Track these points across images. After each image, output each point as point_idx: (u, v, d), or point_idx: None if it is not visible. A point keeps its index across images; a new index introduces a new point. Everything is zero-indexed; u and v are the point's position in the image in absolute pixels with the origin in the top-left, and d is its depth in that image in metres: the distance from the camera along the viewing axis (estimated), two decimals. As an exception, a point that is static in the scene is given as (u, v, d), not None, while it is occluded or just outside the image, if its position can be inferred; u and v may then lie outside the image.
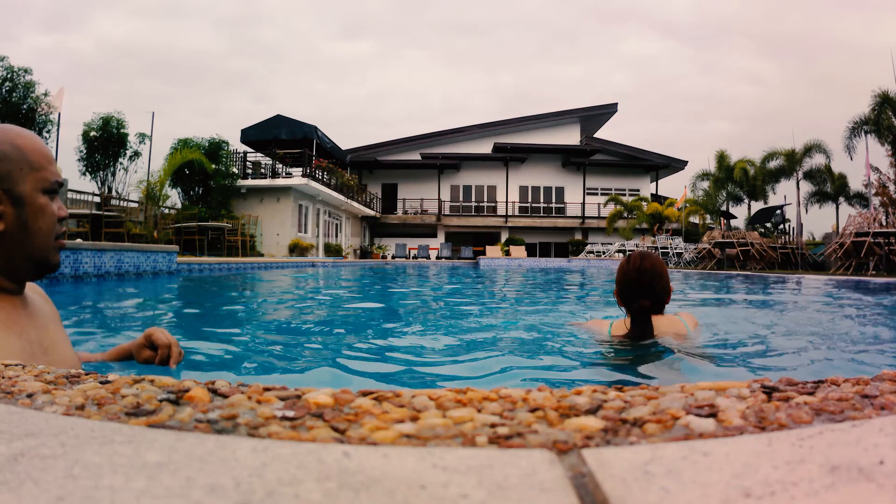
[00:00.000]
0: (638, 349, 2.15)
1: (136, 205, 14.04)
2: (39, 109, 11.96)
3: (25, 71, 11.78)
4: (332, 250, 23.66)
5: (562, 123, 34.35)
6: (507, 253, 26.11)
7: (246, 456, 0.45)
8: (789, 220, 21.50)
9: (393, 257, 26.92)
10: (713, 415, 0.56)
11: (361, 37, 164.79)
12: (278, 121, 20.53)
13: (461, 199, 34.24)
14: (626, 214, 28.18)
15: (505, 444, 0.50)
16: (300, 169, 20.26)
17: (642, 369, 1.91)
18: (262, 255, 16.76)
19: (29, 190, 1.13)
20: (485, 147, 33.41)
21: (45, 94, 12.11)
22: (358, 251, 29.02)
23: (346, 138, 55.06)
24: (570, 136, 34.05)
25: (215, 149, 17.91)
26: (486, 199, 34.29)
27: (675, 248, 21.45)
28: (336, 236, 26.49)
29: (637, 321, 2.20)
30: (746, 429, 0.53)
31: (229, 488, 0.39)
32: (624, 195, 32.59)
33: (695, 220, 28.17)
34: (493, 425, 0.54)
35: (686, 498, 0.38)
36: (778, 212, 20.69)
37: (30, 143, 1.15)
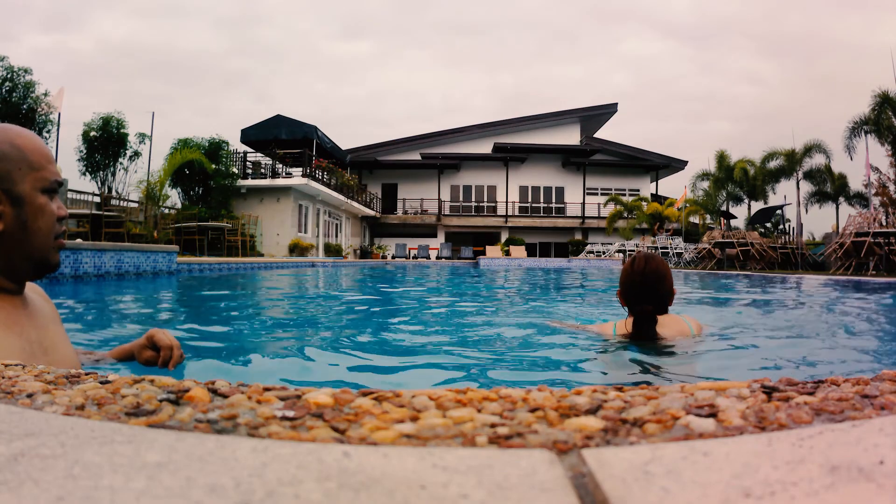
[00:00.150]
0: (639, 349, 2.15)
1: (136, 205, 14.03)
2: (39, 109, 11.97)
3: (25, 71, 11.78)
4: (332, 250, 23.65)
5: (562, 123, 34.35)
6: (507, 253, 26.10)
7: (246, 456, 0.45)
8: (789, 220, 21.52)
9: (393, 257, 26.90)
10: (713, 415, 0.56)
11: (361, 37, 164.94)
12: (278, 121, 20.52)
13: (461, 199, 34.24)
14: (626, 214, 28.17)
15: (505, 444, 0.50)
16: (300, 169, 20.26)
17: (642, 369, 1.91)
18: (262, 256, 16.76)
19: (28, 189, 1.13)
20: (485, 147, 33.40)
21: (45, 94, 12.12)
22: (358, 251, 29.02)
23: (346, 138, 55.13)
24: (570, 136, 34.05)
25: (215, 149, 17.91)
26: (486, 199, 34.28)
27: (675, 248, 21.45)
28: (336, 236, 26.49)
29: (639, 322, 2.20)
30: (746, 429, 0.53)
31: (229, 488, 0.39)
32: (624, 195, 32.58)
33: (695, 220, 28.17)
34: (493, 425, 0.54)
35: (686, 498, 0.38)
36: (778, 212, 20.70)
37: (29, 142, 1.15)
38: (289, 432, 0.53)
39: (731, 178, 25.44)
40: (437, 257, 26.83)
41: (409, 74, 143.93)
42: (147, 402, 0.62)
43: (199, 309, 4.66)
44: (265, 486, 0.39)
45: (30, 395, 0.64)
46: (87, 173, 14.22)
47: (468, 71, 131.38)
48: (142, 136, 14.97)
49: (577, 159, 33.40)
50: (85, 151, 14.14)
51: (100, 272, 6.73)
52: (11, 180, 1.11)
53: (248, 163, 20.22)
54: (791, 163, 23.22)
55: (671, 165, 34.85)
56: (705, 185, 27.50)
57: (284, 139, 20.48)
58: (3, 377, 0.73)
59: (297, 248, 18.77)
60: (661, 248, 21.56)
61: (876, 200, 17.09)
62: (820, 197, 24.14)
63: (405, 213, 33.55)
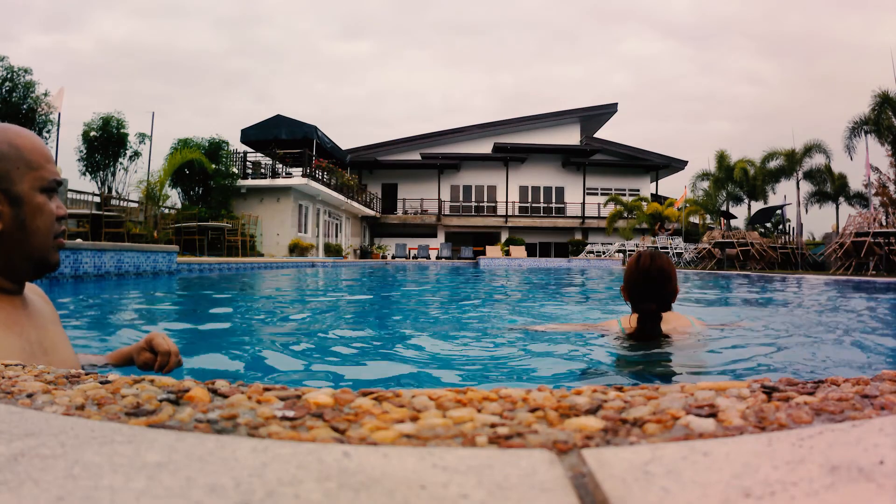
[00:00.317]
0: (640, 348, 2.15)
1: (136, 205, 14.04)
2: (39, 109, 11.97)
3: (25, 71, 11.79)
4: (332, 250, 23.65)
5: (562, 123, 34.35)
6: (507, 253, 26.11)
7: (246, 456, 0.45)
8: (789, 220, 21.50)
9: (393, 257, 26.90)
10: (713, 415, 0.56)
11: (361, 37, 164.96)
12: (278, 121, 20.53)
13: (461, 199, 34.24)
14: (626, 214, 28.17)
15: (505, 444, 0.50)
16: (300, 169, 20.26)
17: (643, 369, 1.91)
18: (262, 256, 16.76)
19: (27, 189, 1.12)
20: (485, 147, 33.40)
21: (45, 94, 12.12)
22: (358, 251, 29.01)
23: (346, 138, 55.13)
24: (570, 136, 34.05)
25: (215, 149, 17.91)
26: (486, 199, 34.28)
27: (675, 248, 21.45)
28: (336, 236, 26.49)
29: (643, 320, 2.20)
30: (746, 429, 0.53)
31: (229, 488, 0.39)
32: (624, 195, 32.58)
33: (695, 220, 28.17)
34: (493, 425, 0.54)
35: (686, 498, 0.38)
36: (778, 212, 20.69)
37: (27, 142, 1.15)
38: (289, 432, 0.53)
39: (731, 178, 25.44)
40: (437, 257, 26.83)
41: (409, 74, 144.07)
42: (147, 402, 0.62)
43: (199, 309, 4.66)
44: (265, 486, 0.39)
45: (30, 395, 0.64)
46: (87, 173, 14.23)
47: (468, 71, 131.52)
48: (142, 136, 14.98)
49: (577, 159, 33.39)
50: (85, 151, 14.14)
51: (100, 272, 6.74)
52: (10, 180, 1.11)
53: (248, 163, 20.23)
54: (791, 163, 23.23)
55: (671, 165, 34.85)
56: (705, 185, 27.51)
57: (284, 139, 20.48)
58: (4, 377, 0.73)
59: (297, 248, 18.77)
60: (661, 248, 21.54)
61: (876, 200, 17.10)
62: (820, 197, 24.14)
63: (405, 213, 33.55)
